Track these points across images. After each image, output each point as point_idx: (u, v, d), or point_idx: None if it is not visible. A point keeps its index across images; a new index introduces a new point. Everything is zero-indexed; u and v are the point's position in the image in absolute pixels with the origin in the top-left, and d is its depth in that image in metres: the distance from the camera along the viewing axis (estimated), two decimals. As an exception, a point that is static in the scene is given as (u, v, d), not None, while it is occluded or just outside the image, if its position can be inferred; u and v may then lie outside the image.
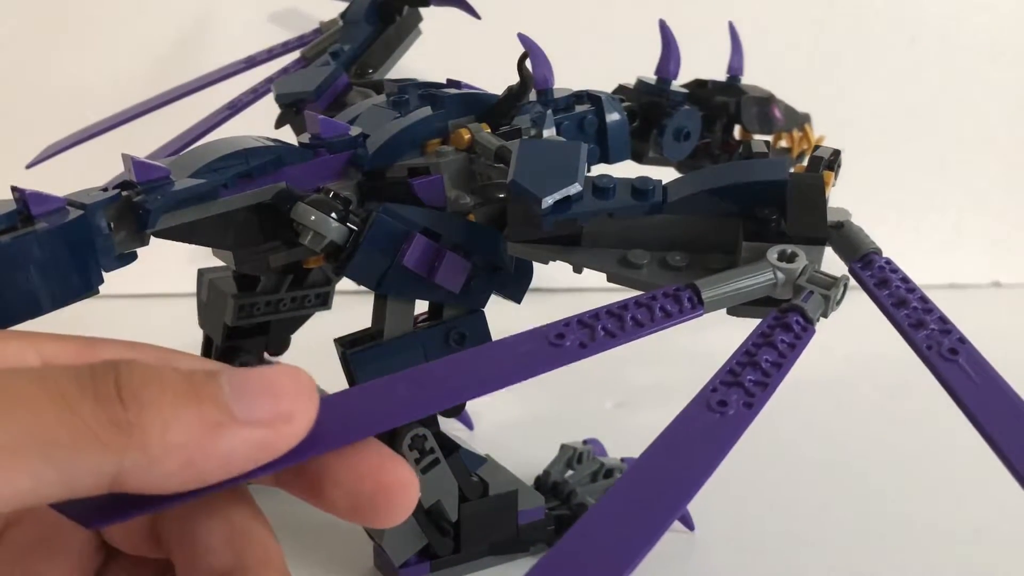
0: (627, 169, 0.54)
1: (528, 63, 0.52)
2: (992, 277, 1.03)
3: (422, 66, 0.72)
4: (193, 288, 0.60)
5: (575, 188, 0.41)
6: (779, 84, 0.67)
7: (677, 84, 0.63)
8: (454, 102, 0.51)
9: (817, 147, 0.44)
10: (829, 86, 0.94)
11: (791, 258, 0.39)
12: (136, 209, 0.43)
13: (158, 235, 0.45)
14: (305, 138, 0.49)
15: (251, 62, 0.74)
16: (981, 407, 0.33)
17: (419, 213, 0.46)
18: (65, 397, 0.23)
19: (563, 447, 0.58)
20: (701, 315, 0.38)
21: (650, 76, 0.62)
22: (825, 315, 0.38)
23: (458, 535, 0.50)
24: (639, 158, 0.62)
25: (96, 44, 0.93)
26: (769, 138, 0.68)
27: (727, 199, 0.41)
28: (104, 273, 0.43)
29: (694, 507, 0.55)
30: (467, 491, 0.50)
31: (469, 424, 0.70)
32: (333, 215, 0.45)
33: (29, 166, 0.72)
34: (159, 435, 0.23)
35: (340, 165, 0.48)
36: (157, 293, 0.90)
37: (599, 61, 0.71)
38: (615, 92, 0.62)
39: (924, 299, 0.37)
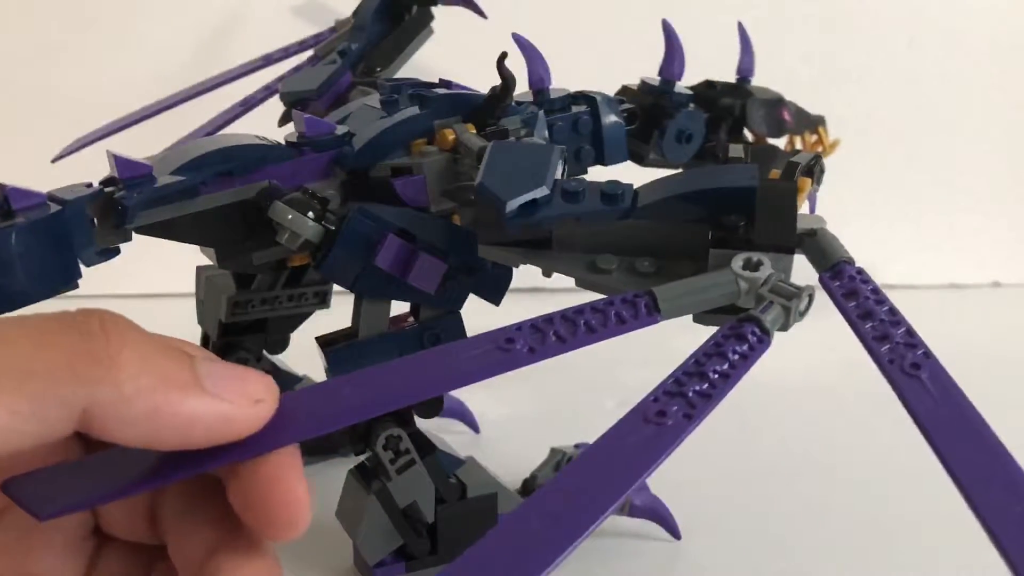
0: (628, 172, 0.53)
1: (507, 63, 0.51)
2: (992, 277, 1.02)
3: (437, 65, 0.72)
4: (190, 289, 0.61)
5: (542, 192, 0.40)
6: (778, 85, 0.65)
7: (685, 86, 0.62)
8: (441, 102, 0.50)
9: (797, 152, 0.43)
10: (828, 87, 0.93)
11: (756, 266, 0.38)
12: (116, 205, 0.44)
13: (140, 232, 0.46)
14: (292, 137, 0.50)
15: (268, 60, 0.75)
16: (936, 425, 0.32)
17: (395, 213, 0.46)
18: (43, 333, 0.24)
19: (552, 451, 0.58)
20: (658, 322, 0.37)
21: (654, 77, 0.61)
22: (786, 327, 0.37)
23: (435, 536, 0.50)
24: (640, 160, 0.61)
25: (121, 42, 0.95)
26: (783, 141, 0.66)
27: (695, 204, 0.40)
28: (84, 267, 0.44)
29: (680, 516, 0.54)
30: (444, 493, 0.50)
31: (475, 427, 0.69)
32: (310, 214, 0.45)
33: (55, 160, 0.74)
34: (133, 374, 0.24)
35: (324, 164, 0.49)
36: (157, 293, 0.92)
37: (606, 61, 0.70)
38: (619, 93, 0.62)
39: (893, 311, 0.36)
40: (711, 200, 0.40)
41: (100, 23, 0.94)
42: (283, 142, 0.49)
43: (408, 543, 0.49)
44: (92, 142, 0.75)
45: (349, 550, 0.52)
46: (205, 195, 0.46)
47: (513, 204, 0.40)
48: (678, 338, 0.48)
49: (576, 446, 0.58)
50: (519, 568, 0.27)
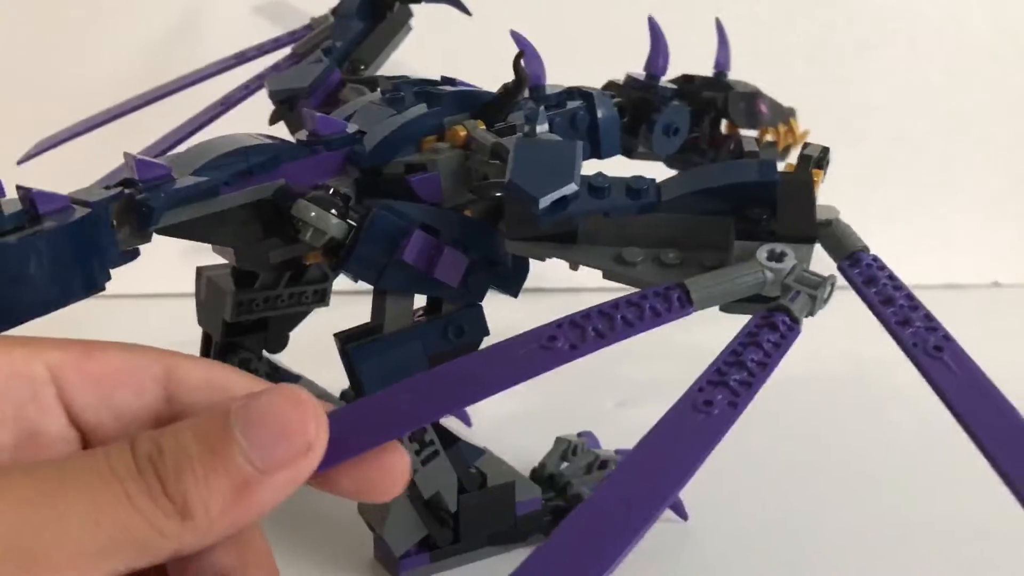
0: (618, 165, 0.55)
1: (493, 60, 0.53)
2: (991, 277, 1.03)
3: (418, 62, 0.73)
4: (192, 288, 0.61)
5: (571, 188, 0.42)
6: (778, 85, 0.68)
7: (665, 80, 0.64)
8: (450, 99, 0.51)
9: (807, 145, 0.45)
10: (829, 86, 0.94)
11: (780, 257, 0.40)
12: (139, 207, 0.44)
13: (160, 232, 0.46)
14: (303, 135, 0.50)
15: (241, 58, 0.74)
16: (964, 403, 0.34)
17: (417, 209, 0.47)
18: (131, 498, 0.25)
19: (558, 440, 0.59)
20: (691, 313, 0.39)
21: (640, 72, 0.63)
22: (811, 314, 0.39)
23: (457, 526, 0.51)
24: (628, 153, 0.63)
25: (87, 40, 0.93)
26: (755, 133, 0.69)
27: (720, 199, 0.42)
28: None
29: (688, 497, 0.57)
30: (466, 483, 0.51)
31: (467, 421, 0.70)
32: (333, 211, 0.46)
33: (20, 162, 0.72)
34: (204, 514, 0.26)
35: (338, 162, 0.49)
36: (157, 293, 0.91)
37: (590, 57, 0.72)
38: (604, 88, 0.63)
39: (911, 296, 0.39)
40: (736, 194, 0.41)
41: (66, 22, 0.92)
42: (294, 141, 0.50)
43: (432, 533, 0.51)
44: (60, 143, 0.73)
45: (369, 544, 0.53)
46: (225, 195, 0.46)
47: (545, 201, 0.41)
48: (677, 335, 0.50)
49: (580, 435, 0.60)
50: (599, 554, 0.28)
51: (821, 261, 0.42)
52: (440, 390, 0.34)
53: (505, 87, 0.51)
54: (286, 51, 0.72)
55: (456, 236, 0.47)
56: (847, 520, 0.59)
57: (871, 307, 0.39)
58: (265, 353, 0.62)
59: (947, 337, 0.37)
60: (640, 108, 0.62)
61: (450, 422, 0.69)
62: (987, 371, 0.35)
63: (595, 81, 0.64)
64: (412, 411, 0.33)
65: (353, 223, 0.46)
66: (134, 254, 0.45)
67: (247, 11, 0.90)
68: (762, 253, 0.40)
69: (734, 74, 0.67)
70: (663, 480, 0.31)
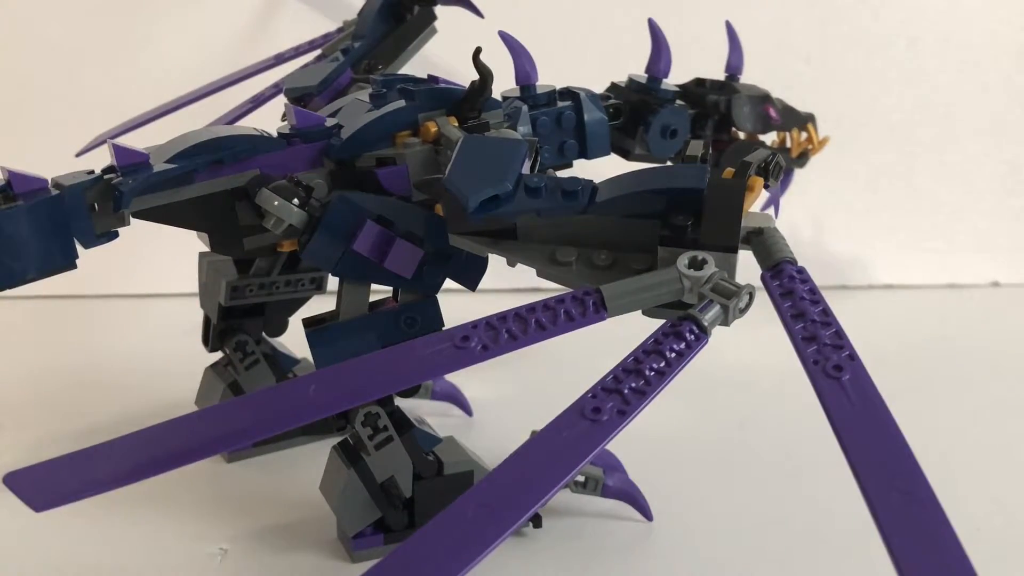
0: (615, 165, 0.55)
1: (501, 60, 0.53)
2: (991, 277, 1.02)
3: (447, 62, 0.74)
4: (190, 289, 0.64)
5: (503, 188, 0.42)
6: (778, 84, 0.66)
7: (674, 83, 0.63)
8: (425, 96, 0.52)
9: (786, 149, 0.44)
10: (828, 87, 0.94)
11: (700, 265, 0.39)
12: (113, 191, 0.47)
13: (137, 216, 0.49)
14: (285, 128, 0.52)
15: (280, 59, 0.78)
16: (849, 428, 0.33)
17: (374, 201, 0.48)
18: None
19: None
20: (605, 319, 0.39)
21: (642, 74, 0.62)
22: (726, 323, 0.39)
23: (412, 511, 0.53)
24: (626, 155, 0.63)
25: (144, 43, 0.96)
26: (772, 137, 0.68)
27: (646, 203, 0.42)
28: (82, 248, 0.47)
29: (651, 497, 0.56)
30: (421, 469, 0.52)
31: (468, 411, 0.71)
32: (295, 201, 0.48)
33: (79, 154, 0.77)
34: None
35: (313, 154, 0.51)
36: (156, 293, 0.93)
37: (603, 59, 0.72)
38: (608, 90, 0.63)
39: (826, 312, 0.38)
40: (660, 200, 0.41)
41: (125, 27, 0.96)
42: (276, 134, 0.52)
43: (386, 516, 0.52)
44: (114, 137, 0.78)
45: (334, 523, 0.55)
46: (199, 183, 0.49)
47: (475, 200, 0.42)
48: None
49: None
50: (454, 556, 0.29)
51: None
52: (348, 383, 0.36)
53: (472, 84, 0.52)
54: (319, 52, 0.75)
55: (412, 229, 0.49)
56: (813, 518, 0.57)
57: (782, 320, 0.38)
58: (265, 336, 0.65)
59: (851, 357, 0.36)
60: (638, 109, 0.61)
61: (447, 409, 0.70)
62: (987, 370, 0.33)
63: (602, 83, 0.64)
64: (317, 402, 0.34)
65: (315, 213, 0.48)
66: (112, 235, 0.49)
67: (307, 14, 0.93)
68: (683, 260, 0.40)
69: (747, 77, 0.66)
70: (532, 486, 0.32)
